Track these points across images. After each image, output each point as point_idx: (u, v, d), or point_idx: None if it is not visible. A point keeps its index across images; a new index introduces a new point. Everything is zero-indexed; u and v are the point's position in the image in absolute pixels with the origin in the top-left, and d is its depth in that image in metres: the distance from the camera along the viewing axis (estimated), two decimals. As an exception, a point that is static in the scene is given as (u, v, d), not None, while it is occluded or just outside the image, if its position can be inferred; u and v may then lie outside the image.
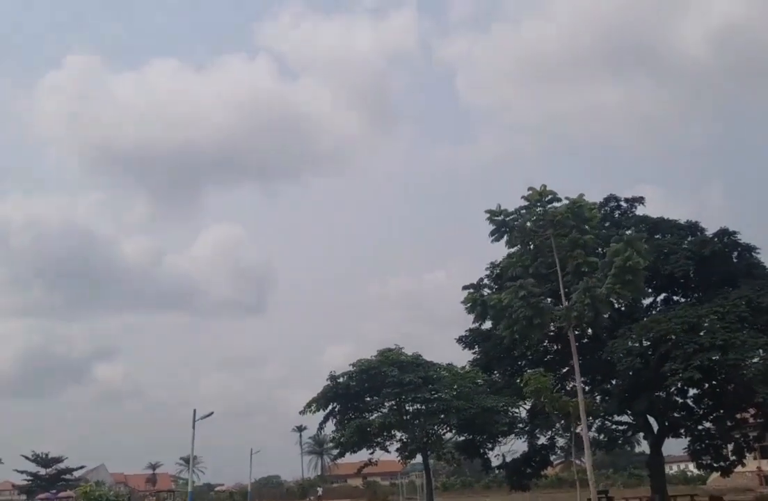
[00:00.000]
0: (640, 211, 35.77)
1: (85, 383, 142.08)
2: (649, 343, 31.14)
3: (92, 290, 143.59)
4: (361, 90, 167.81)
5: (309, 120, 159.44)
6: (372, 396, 34.57)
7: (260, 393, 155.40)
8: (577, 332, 22.47)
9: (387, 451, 36.16)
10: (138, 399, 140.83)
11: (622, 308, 34.44)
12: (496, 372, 37.82)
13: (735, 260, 33.73)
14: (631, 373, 30.74)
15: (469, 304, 19.99)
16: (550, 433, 35.67)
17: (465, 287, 19.05)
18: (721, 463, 35.79)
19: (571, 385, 32.70)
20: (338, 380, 34.57)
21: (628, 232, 30.12)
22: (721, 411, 34.48)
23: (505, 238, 20.16)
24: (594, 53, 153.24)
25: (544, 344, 37.14)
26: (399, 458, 35.07)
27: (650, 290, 35.49)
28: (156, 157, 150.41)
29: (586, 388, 33.93)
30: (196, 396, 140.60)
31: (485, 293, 20.53)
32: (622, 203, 35.75)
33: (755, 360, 28.41)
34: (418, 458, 37.49)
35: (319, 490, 72.03)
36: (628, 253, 18.02)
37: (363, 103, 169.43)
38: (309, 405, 34.39)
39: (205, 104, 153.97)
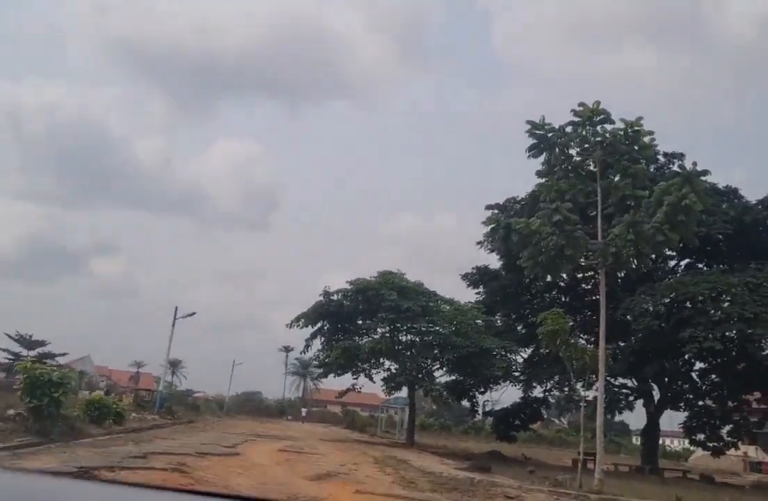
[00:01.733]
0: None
1: (82, 275, 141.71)
2: (669, 305, 28.76)
3: (100, 183, 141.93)
4: (396, 17, 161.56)
5: (338, 40, 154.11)
6: (365, 319, 32.60)
7: (253, 309, 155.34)
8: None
9: (372, 380, 34.57)
10: (131, 298, 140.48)
11: (642, 268, 32.36)
12: (498, 315, 35.86)
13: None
14: (645, 335, 28.58)
15: (491, 226, 17.67)
16: (548, 384, 34.01)
17: (488, 207, 16.68)
18: (715, 443, 34.60)
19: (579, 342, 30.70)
20: (332, 297, 32.59)
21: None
22: (725, 390, 32.60)
23: (544, 157, 17.71)
24: (635, 18, 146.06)
25: (552, 294, 35.14)
26: (384, 388, 33.38)
27: (674, 253, 33.11)
28: (178, 60, 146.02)
29: (590, 346, 32.01)
30: (190, 302, 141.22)
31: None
32: (660, 157, 32.73)
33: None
34: (402, 393, 35.94)
35: (304, 410, 72.07)
36: (685, 190, 15.55)
37: (396, 31, 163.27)
38: (297, 319, 32.56)
39: (234, 13, 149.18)
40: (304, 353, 36.48)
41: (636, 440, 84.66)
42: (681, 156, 32.45)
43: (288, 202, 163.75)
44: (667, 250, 31.62)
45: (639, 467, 32.10)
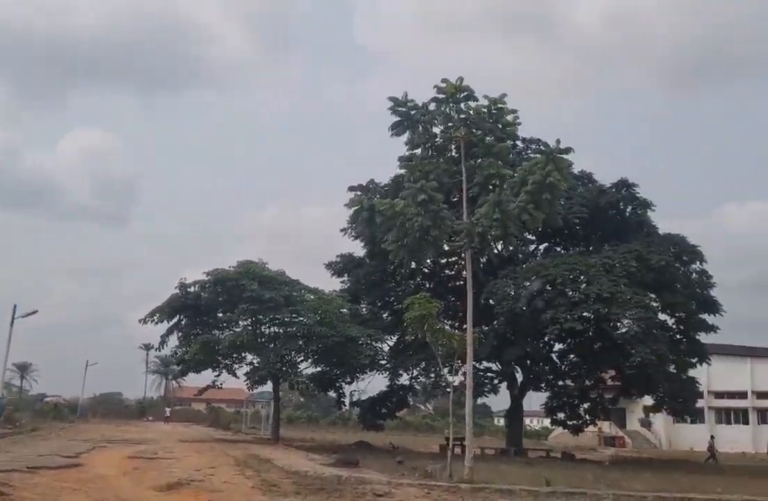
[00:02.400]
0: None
1: None
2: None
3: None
4: (255, 5, 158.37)
5: (196, 28, 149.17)
6: (226, 312, 30.92)
7: (111, 307, 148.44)
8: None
9: (235, 375, 33.00)
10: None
11: (509, 248, 32.79)
12: (363, 303, 35.25)
13: (628, 215, 32.31)
14: (508, 318, 28.76)
15: (354, 209, 16.75)
16: (414, 371, 33.76)
17: (351, 188, 15.80)
18: (574, 422, 35.71)
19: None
20: (189, 289, 30.64)
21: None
22: (583, 369, 33.62)
23: (407, 135, 16.99)
24: (491, 14, 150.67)
25: (416, 281, 34.93)
26: (247, 382, 31.84)
27: (533, 237, 33.75)
28: (24, 45, 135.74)
29: (457, 331, 32.02)
30: (43, 302, 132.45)
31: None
32: (519, 143, 33.07)
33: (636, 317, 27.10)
34: (267, 387, 34.58)
35: (167, 410, 69.08)
36: (548, 168, 15.25)
37: (257, 20, 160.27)
38: (152, 314, 30.39)
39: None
40: (160, 350, 34.39)
41: (497, 421, 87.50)
42: (538, 141, 32.96)
43: (149, 194, 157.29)
44: (527, 234, 32.37)
45: (504, 449, 32.51)
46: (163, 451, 20.57)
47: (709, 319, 32.29)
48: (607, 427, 58.43)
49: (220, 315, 31.47)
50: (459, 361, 19.41)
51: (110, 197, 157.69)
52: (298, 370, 31.32)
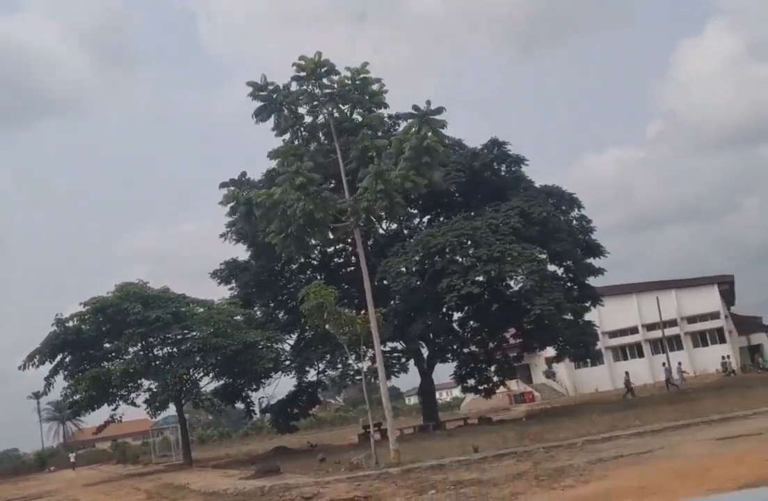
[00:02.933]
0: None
1: None
2: (423, 260, 28.82)
3: None
4: (91, 27, 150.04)
5: (33, 56, 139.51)
6: (112, 341, 28.83)
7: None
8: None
9: (134, 404, 30.94)
10: None
11: (389, 226, 32.48)
12: (256, 307, 33.96)
13: (503, 173, 32.61)
14: (405, 294, 28.38)
15: (230, 205, 15.64)
16: (320, 365, 32.89)
17: (223, 184, 14.68)
18: (485, 385, 36.02)
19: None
20: (66, 324, 28.31)
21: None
22: (484, 333, 33.89)
23: (273, 121, 16.03)
24: (332, 4, 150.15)
25: (307, 274, 34.02)
26: (148, 410, 29.92)
27: (415, 211, 33.57)
28: None
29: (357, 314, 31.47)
30: None
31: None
32: (386, 120, 32.57)
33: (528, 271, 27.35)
34: (171, 410, 32.70)
35: (72, 455, 64.37)
36: (424, 131, 14.72)
37: (95, 41, 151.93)
38: (30, 357, 27.87)
39: None
40: (47, 393, 31.76)
41: (409, 401, 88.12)
42: (405, 116, 32.62)
43: (5, 240, 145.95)
44: (409, 208, 32.09)
45: (423, 426, 32.26)
46: (67, 500, 18.74)
47: (595, 262, 33.37)
48: (514, 385, 59.75)
49: (107, 345, 29.37)
50: (364, 347, 18.86)
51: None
52: (200, 387, 29.72)
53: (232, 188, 15.10)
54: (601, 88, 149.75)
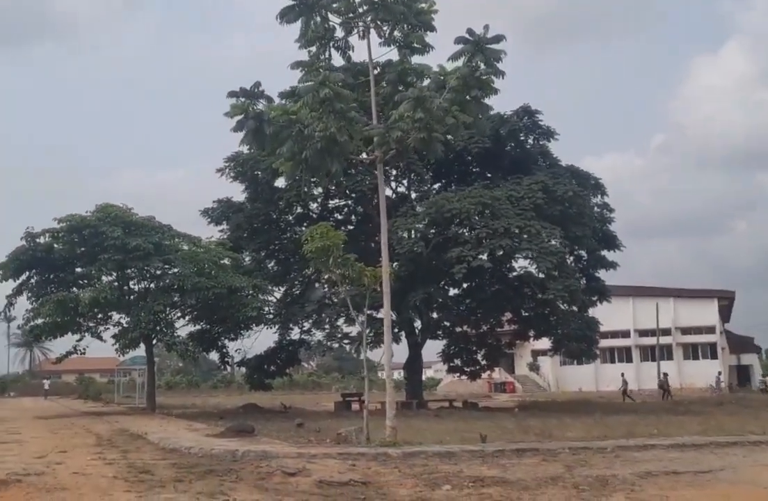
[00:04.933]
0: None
1: None
2: (432, 225, 26.52)
3: None
4: None
5: None
6: (85, 265, 26.50)
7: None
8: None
9: (101, 338, 28.82)
10: None
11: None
12: (246, 252, 31.65)
13: (530, 146, 30.20)
14: (409, 260, 26.12)
15: (237, 118, 13.21)
16: (306, 324, 30.86)
17: (232, 94, 12.49)
18: (472, 368, 34.60)
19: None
20: (38, 240, 25.96)
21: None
22: (479, 315, 31.87)
23: (300, 28, 13.63)
24: None
25: (304, 226, 31.72)
26: (116, 346, 27.70)
27: (428, 177, 31.19)
28: None
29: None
30: None
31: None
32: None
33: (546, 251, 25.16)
34: (141, 351, 30.56)
35: (46, 382, 62.67)
36: (477, 60, 12.42)
37: None
38: (-7, 271, 25.68)
39: None
40: (8, 314, 29.61)
41: (382, 375, 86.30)
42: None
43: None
44: (423, 170, 29.79)
45: (406, 403, 30.26)
46: (7, 432, 16.66)
47: (609, 255, 31.38)
48: (496, 374, 58.10)
49: (79, 270, 27.05)
50: (365, 310, 17.04)
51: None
52: (175, 329, 27.52)
53: (242, 99, 12.72)
54: (607, 94, 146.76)
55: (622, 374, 40.22)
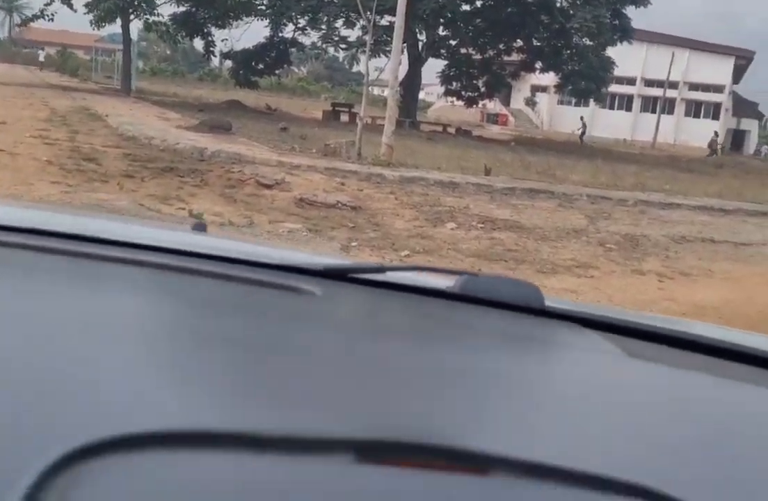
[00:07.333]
0: None
1: None
2: None
3: None
4: None
5: None
6: None
7: None
8: None
9: (71, 6, 25.74)
10: None
11: None
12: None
13: None
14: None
15: None
16: (301, 21, 27.98)
17: None
18: (470, 93, 33.01)
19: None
20: None
21: None
22: (489, 36, 29.25)
23: None
24: None
25: None
26: (92, 17, 24.94)
27: None
28: None
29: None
30: None
31: None
32: None
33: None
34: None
35: (41, 54, 57.85)
36: None
37: None
38: None
39: None
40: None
41: (376, 91, 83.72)
42: None
43: None
44: None
45: (399, 121, 28.70)
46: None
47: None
48: (490, 104, 56.28)
49: None
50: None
51: None
52: (155, 5, 24.54)
53: None
54: None
55: (581, 118, 38.85)
